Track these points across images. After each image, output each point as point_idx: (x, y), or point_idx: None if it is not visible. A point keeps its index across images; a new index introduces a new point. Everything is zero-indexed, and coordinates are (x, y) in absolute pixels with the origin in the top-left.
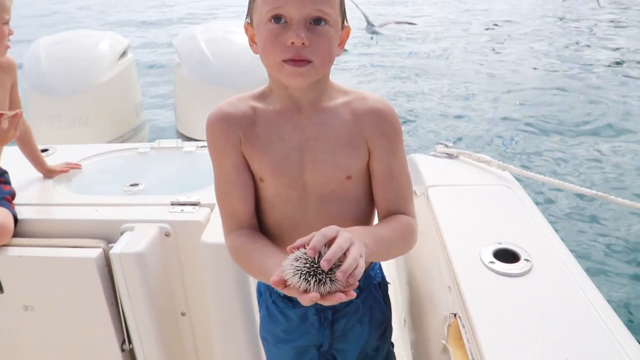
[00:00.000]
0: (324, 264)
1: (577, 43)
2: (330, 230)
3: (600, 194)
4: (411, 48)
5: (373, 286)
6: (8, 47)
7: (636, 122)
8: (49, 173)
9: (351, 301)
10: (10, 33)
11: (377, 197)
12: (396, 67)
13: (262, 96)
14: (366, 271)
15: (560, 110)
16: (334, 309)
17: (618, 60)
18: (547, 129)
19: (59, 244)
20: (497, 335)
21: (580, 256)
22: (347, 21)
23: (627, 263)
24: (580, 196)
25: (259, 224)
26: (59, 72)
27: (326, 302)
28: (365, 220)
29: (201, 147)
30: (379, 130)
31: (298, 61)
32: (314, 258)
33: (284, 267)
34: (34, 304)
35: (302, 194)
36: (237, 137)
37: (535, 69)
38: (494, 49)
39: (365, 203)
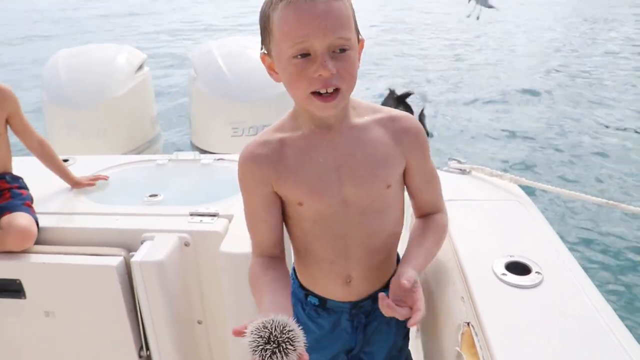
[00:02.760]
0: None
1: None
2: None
3: (611, 202)
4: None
5: None
6: None
7: None
8: (76, 185)
9: None
10: None
11: (418, 199)
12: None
13: (289, 124)
14: (395, 273)
15: (571, 122)
16: (367, 313)
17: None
18: (558, 141)
19: (80, 252)
20: (509, 344)
21: (591, 268)
22: (360, 35)
23: (638, 274)
24: (591, 206)
25: (299, 241)
26: (77, 85)
27: None
28: (397, 225)
29: (218, 159)
30: (415, 144)
31: (327, 96)
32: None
33: (250, 328)
34: (55, 310)
35: (343, 209)
36: (267, 177)
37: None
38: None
39: (399, 210)
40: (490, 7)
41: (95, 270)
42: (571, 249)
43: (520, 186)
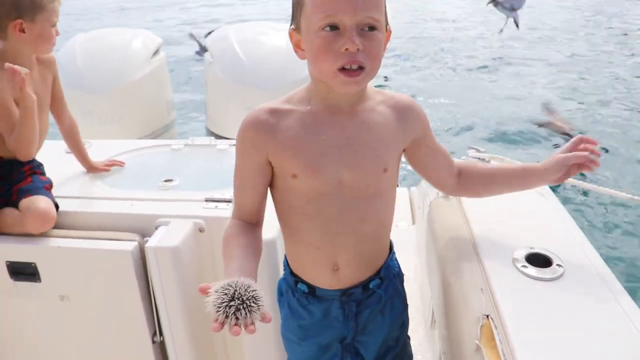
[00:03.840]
0: None
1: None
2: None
3: (636, 197)
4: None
5: (393, 276)
6: (54, 45)
7: None
8: (91, 169)
9: (374, 291)
10: (57, 34)
11: (440, 168)
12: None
13: (301, 98)
14: (386, 262)
15: (598, 112)
16: (358, 301)
17: None
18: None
19: (95, 237)
20: (528, 337)
21: (612, 261)
22: (389, 25)
23: None
24: (614, 201)
25: (288, 222)
26: (93, 70)
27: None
28: (388, 215)
29: (234, 145)
30: (418, 120)
31: (353, 72)
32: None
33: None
34: (70, 294)
35: (337, 189)
36: (264, 145)
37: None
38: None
39: (391, 199)
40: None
41: (110, 255)
42: (593, 242)
43: None
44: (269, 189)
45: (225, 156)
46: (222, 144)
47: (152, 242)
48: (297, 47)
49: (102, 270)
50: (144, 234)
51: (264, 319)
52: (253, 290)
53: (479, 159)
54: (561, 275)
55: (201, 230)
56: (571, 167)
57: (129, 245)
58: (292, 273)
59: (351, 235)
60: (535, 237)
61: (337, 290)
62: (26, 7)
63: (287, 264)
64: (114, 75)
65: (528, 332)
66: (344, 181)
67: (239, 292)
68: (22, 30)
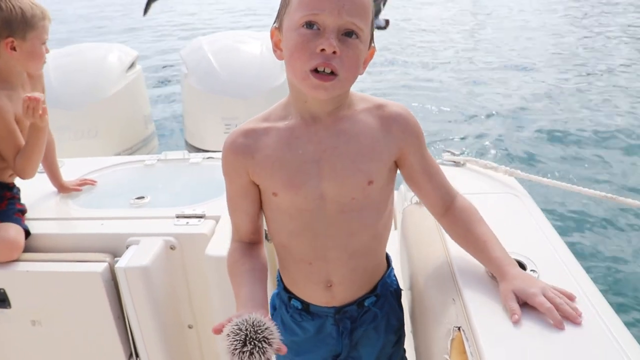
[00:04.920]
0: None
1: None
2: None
3: (609, 195)
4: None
5: (389, 293)
6: (44, 62)
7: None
8: (62, 189)
9: (369, 309)
10: (47, 52)
11: (427, 190)
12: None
13: (278, 113)
14: (383, 278)
15: (569, 114)
16: (352, 318)
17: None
18: (555, 133)
19: (65, 259)
20: (501, 350)
21: (588, 264)
22: (373, 42)
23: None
24: (590, 200)
25: (277, 237)
26: (68, 85)
27: None
28: (381, 227)
29: (207, 158)
30: (408, 132)
31: (325, 75)
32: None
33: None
34: (41, 319)
35: (320, 204)
36: (244, 167)
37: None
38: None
39: (384, 210)
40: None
41: (80, 277)
42: (569, 245)
43: (517, 179)
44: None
45: (198, 169)
46: (195, 157)
47: (121, 263)
48: (276, 46)
49: (73, 293)
50: (115, 253)
51: (279, 351)
52: (265, 329)
53: (454, 162)
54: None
55: (172, 247)
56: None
57: (99, 267)
58: (285, 289)
59: (342, 250)
60: (510, 242)
61: (331, 308)
62: (17, 25)
63: (280, 279)
64: (89, 90)
65: (501, 343)
66: (326, 195)
67: (251, 336)
68: (14, 49)
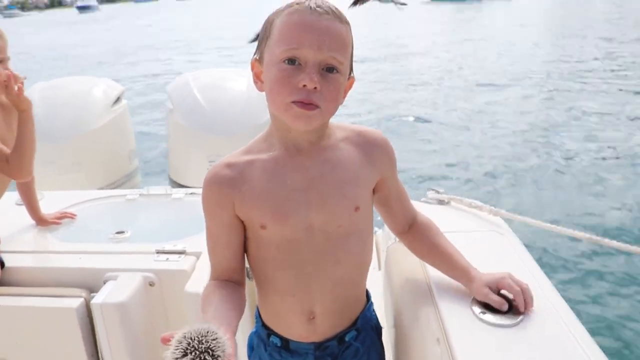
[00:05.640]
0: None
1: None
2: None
3: (594, 237)
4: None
5: (370, 327)
6: (4, 82)
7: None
8: (40, 222)
9: (350, 344)
10: (6, 70)
11: (396, 213)
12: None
13: (260, 146)
14: (363, 311)
15: (553, 151)
16: (333, 355)
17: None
18: (539, 172)
19: (40, 293)
20: None
21: (574, 302)
22: (352, 72)
23: (623, 307)
24: (575, 240)
25: (260, 271)
26: (53, 118)
27: None
28: (364, 255)
29: (190, 194)
30: (386, 158)
31: (307, 104)
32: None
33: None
34: (12, 356)
35: (308, 234)
36: (230, 200)
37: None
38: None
39: (367, 238)
40: None
41: (54, 312)
42: (555, 285)
43: (502, 218)
44: None
45: (180, 205)
46: (177, 192)
47: (98, 299)
48: (257, 78)
49: (46, 329)
50: (92, 289)
51: None
52: (212, 340)
53: (438, 200)
54: (521, 320)
55: (151, 284)
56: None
57: (74, 302)
58: (264, 325)
59: (327, 279)
60: None
61: (311, 344)
62: None
63: (259, 316)
64: (74, 124)
65: None
66: (314, 224)
67: (193, 345)
68: None
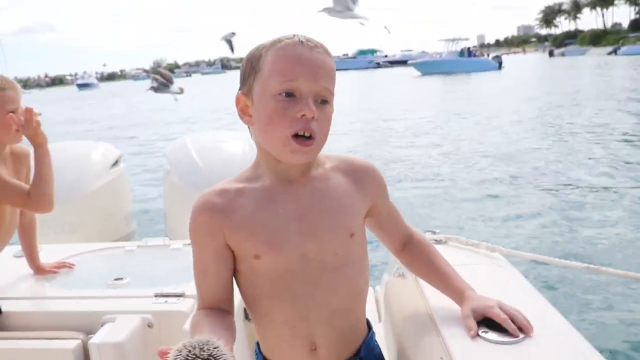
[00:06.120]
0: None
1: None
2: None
3: (592, 266)
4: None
5: (373, 357)
6: (20, 135)
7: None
8: (38, 270)
9: None
10: (18, 122)
11: (392, 233)
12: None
13: (250, 175)
14: (366, 340)
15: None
16: None
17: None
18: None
19: (37, 337)
20: None
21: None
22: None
23: (628, 335)
24: (574, 271)
25: (256, 304)
26: None
27: None
28: (362, 282)
29: (188, 244)
30: (376, 183)
31: (305, 140)
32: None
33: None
34: None
35: (303, 264)
36: (220, 228)
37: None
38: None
39: (363, 265)
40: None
41: (50, 354)
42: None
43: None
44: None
45: (179, 255)
46: (175, 243)
47: (95, 339)
48: (242, 112)
49: None
50: (90, 331)
51: None
52: (214, 348)
53: (435, 240)
54: (524, 337)
55: (150, 325)
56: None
57: (71, 344)
58: None
59: (325, 309)
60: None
61: None
62: None
63: (259, 351)
64: (72, 185)
65: None
66: (308, 253)
67: (194, 352)
68: None
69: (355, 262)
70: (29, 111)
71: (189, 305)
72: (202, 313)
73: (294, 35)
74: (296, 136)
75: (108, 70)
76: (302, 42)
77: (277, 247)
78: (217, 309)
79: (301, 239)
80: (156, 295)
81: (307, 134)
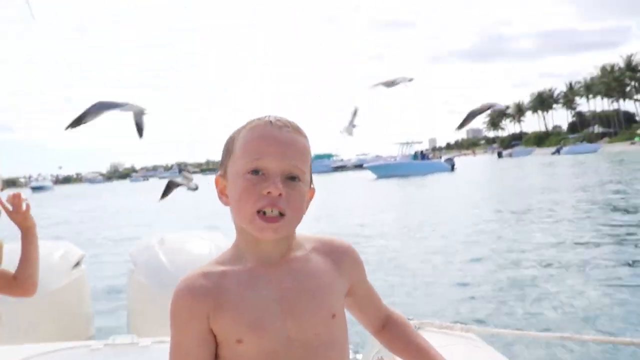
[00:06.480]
0: None
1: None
2: None
3: (565, 335)
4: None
5: None
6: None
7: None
8: None
9: None
10: (7, 209)
11: (369, 313)
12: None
13: (231, 257)
14: None
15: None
16: None
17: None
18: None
19: None
20: None
21: None
22: (312, 184)
23: None
24: (549, 343)
25: None
26: None
27: None
28: None
29: (157, 342)
30: (354, 264)
31: (271, 218)
32: None
33: None
34: None
35: (286, 346)
36: (205, 312)
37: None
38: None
39: (345, 346)
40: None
41: None
42: None
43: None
44: None
45: (147, 354)
46: (144, 341)
47: None
48: (221, 193)
49: None
50: None
51: None
52: None
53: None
54: None
55: None
56: None
57: None
58: None
59: None
60: None
61: None
62: None
63: None
64: None
65: None
66: (291, 335)
67: None
68: None
69: (337, 343)
70: (17, 196)
71: None
72: None
73: (266, 116)
74: (264, 213)
75: (63, 173)
76: (271, 122)
77: (260, 330)
78: None
79: (284, 320)
80: None
81: (274, 212)
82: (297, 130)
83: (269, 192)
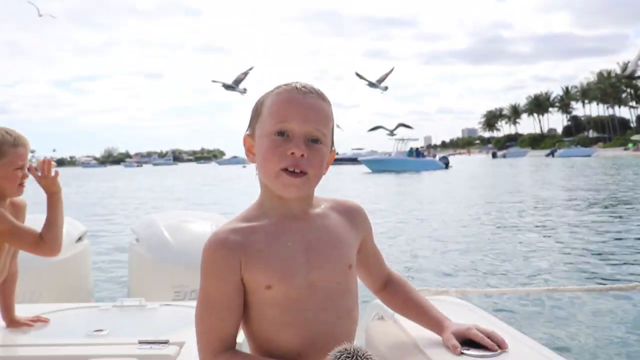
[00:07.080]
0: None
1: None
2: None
3: (551, 287)
4: None
5: None
6: (22, 189)
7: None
8: (12, 323)
9: None
10: (25, 177)
11: (373, 271)
12: None
13: (255, 213)
14: None
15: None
16: None
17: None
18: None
19: None
20: None
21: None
22: (334, 147)
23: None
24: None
25: (261, 334)
26: None
27: None
28: (356, 309)
29: (165, 305)
30: (365, 221)
31: (295, 173)
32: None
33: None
34: None
35: (310, 292)
36: (238, 262)
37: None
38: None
39: (356, 297)
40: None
41: None
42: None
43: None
44: None
45: (156, 314)
46: (152, 304)
47: None
48: (249, 151)
49: None
50: None
51: None
52: (369, 355)
53: None
54: (501, 352)
55: None
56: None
57: None
58: None
59: (330, 335)
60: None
61: None
62: None
63: None
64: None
65: None
66: (315, 283)
67: (357, 354)
68: None
69: (351, 292)
70: (47, 162)
71: (174, 350)
72: (238, 357)
73: (293, 82)
74: (286, 171)
75: (57, 155)
76: (297, 88)
77: (288, 277)
78: (233, 350)
79: (308, 269)
80: (140, 342)
81: (296, 170)
82: (321, 96)
83: (292, 153)
